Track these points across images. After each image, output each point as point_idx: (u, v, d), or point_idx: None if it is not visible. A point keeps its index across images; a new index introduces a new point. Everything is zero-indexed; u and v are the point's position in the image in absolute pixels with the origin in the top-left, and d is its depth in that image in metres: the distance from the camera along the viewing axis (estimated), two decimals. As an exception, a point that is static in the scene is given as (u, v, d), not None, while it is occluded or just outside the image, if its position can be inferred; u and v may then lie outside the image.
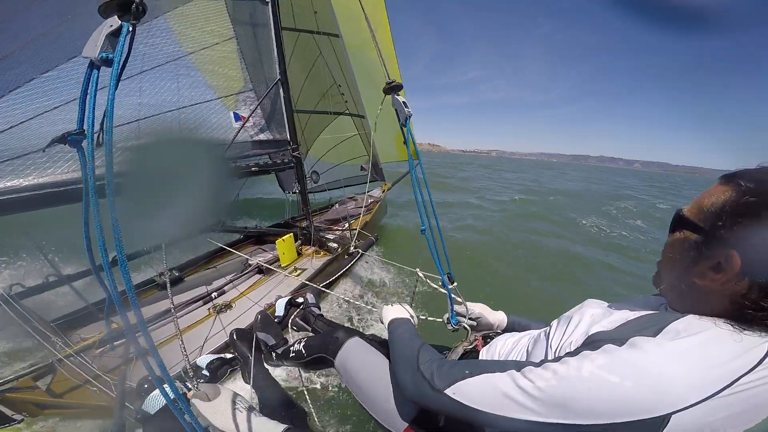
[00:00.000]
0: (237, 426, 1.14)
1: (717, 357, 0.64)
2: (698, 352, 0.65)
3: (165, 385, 0.87)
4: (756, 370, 0.62)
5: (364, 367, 1.45)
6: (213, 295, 3.33)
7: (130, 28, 0.79)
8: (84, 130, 0.80)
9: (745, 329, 0.67)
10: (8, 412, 1.87)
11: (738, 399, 0.62)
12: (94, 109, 0.78)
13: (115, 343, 2.49)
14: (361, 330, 1.99)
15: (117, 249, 0.78)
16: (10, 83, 2.25)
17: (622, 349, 0.70)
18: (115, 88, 0.77)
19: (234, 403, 1.20)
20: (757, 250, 0.65)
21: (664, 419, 0.62)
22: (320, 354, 1.62)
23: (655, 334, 0.71)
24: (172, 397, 0.87)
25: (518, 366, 0.82)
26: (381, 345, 1.68)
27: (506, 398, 0.77)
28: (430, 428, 1.21)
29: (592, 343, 0.77)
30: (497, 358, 1.24)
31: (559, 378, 0.72)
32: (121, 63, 0.79)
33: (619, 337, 0.74)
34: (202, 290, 3.45)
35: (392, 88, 1.64)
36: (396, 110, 1.62)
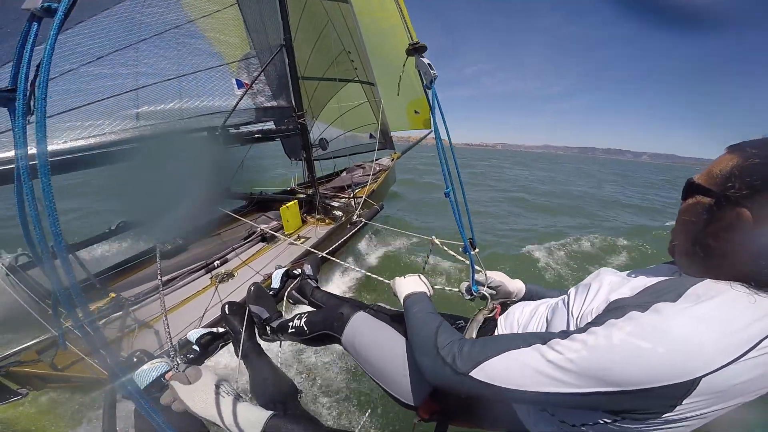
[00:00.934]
0: (217, 412, 1.09)
1: (739, 320, 0.65)
2: (720, 315, 0.66)
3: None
4: None
5: (375, 343, 1.42)
6: (216, 263, 3.33)
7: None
8: (15, 87, 0.69)
9: (759, 291, 0.68)
10: (13, 386, 1.88)
11: (760, 362, 0.63)
12: (29, 64, 0.68)
13: (111, 316, 2.52)
14: (362, 301, 1.96)
15: (54, 237, 0.67)
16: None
17: (646, 314, 0.70)
18: (56, 39, 0.67)
19: (215, 387, 1.14)
20: (766, 207, 0.68)
21: (695, 382, 0.63)
22: (324, 331, 1.58)
23: (675, 299, 0.71)
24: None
25: (542, 338, 0.81)
26: (388, 316, 1.65)
27: (536, 373, 0.76)
28: (450, 399, 1.21)
29: (615, 309, 0.77)
30: (515, 328, 1.23)
31: (589, 348, 0.72)
32: (66, 13, 0.68)
33: (641, 303, 0.74)
34: (205, 258, 3.45)
35: (416, 49, 1.52)
36: (420, 72, 1.50)
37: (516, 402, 0.89)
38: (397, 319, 1.61)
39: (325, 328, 1.58)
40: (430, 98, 1.49)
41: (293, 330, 1.71)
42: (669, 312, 0.68)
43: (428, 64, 1.48)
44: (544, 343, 0.79)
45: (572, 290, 1.04)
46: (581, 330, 0.78)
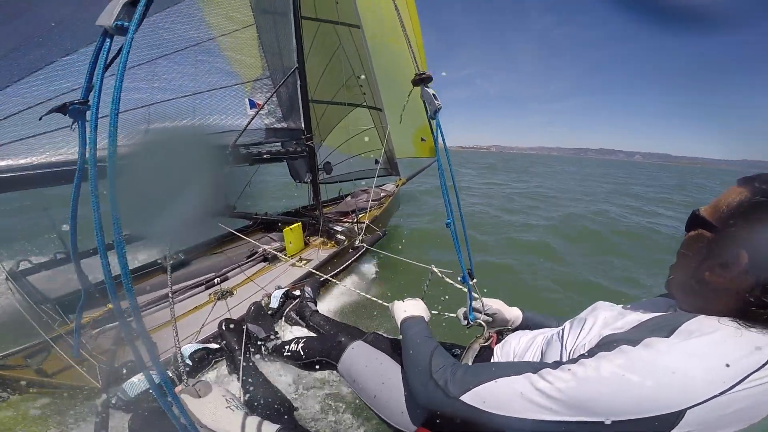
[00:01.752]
0: (227, 425, 1.10)
1: (729, 355, 0.67)
2: (711, 350, 0.68)
3: (153, 374, 0.83)
4: (765, 367, 0.65)
5: (371, 371, 1.43)
6: (216, 280, 3.33)
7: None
8: (88, 101, 0.76)
9: (750, 326, 0.71)
10: None
11: (747, 395, 0.64)
12: (102, 78, 0.73)
13: (107, 326, 2.50)
14: (359, 327, 1.95)
15: (115, 232, 0.73)
16: (32, 65, 2.26)
17: (637, 348, 0.72)
18: (127, 56, 0.72)
19: (225, 401, 1.16)
20: (764, 249, 0.70)
21: (680, 414, 0.65)
22: (321, 358, 1.60)
23: (668, 335, 0.74)
24: (159, 386, 0.84)
25: (534, 368, 0.83)
26: (385, 344, 1.66)
27: (525, 401, 0.79)
28: (445, 427, 1.20)
29: (607, 344, 0.80)
30: (512, 357, 1.26)
31: (578, 379, 0.74)
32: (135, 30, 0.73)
33: (633, 338, 0.76)
34: (206, 275, 3.45)
35: (422, 80, 1.57)
36: (425, 102, 1.56)
37: (504, 428, 0.90)
38: (395, 348, 1.61)
39: (322, 354, 1.60)
40: (434, 128, 1.55)
41: (289, 354, 1.72)
42: (660, 347, 0.71)
43: (433, 94, 1.54)
44: (535, 372, 0.82)
45: (567, 324, 1.07)
46: (572, 361, 0.81)
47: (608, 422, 0.70)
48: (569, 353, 0.93)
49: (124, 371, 1.87)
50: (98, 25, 0.72)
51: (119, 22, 0.70)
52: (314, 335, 1.79)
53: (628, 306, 1.00)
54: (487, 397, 0.85)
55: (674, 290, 0.91)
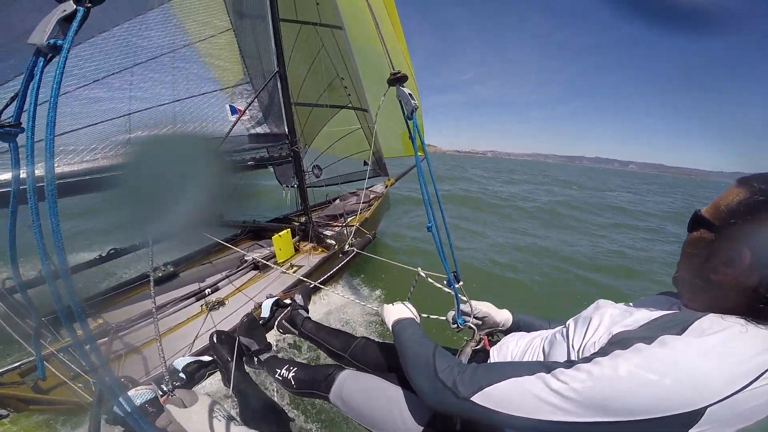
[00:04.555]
0: None
1: (743, 352, 0.67)
2: (725, 348, 0.68)
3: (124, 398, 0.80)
4: None
5: (362, 392, 1.44)
6: (207, 291, 3.29)
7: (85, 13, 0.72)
8: (21, 123, 0.73)
9: (758, 323, 0.71)
10: None
11: (762, 391, 0.65)
12: (37, 98, 0.69)
13: (99, 341, 2.46)
14: (350, 333, 1.94)
15: (59, 257, 0.68)
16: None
17: (653, 347, 0.72)
18: (61, 76, 0.68)
19: (212, 411, 1.14)
20: (766, 246, 0.70)
21: (700, 412, 0.65)
22: (311, 390, 1.60)
23: (680, 333, 0.73)
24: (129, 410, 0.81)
25: (547, 367, 0.82)
26: (375, 352, 1.70)
27: (539, 401, 0.77)
28: None
29: (620, 342, 0.78)
30: (509, 359, 1.25)
31: (594, 378, 0.73)
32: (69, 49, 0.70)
33: (647, 335, 0.76)
34: (196, 286, 3.41)
35: (397, 79, 1.56)
36: (401, 102, 1.53)
37: (515, 429, 0.87)
38: (386, 355, 1.64)
39: (312, 388, 1.60)
40: (411, 129, 1.52)
41: (280, 379, 1.72)
42: (675, 344, 0.70)
43: (409, 94, 1.50)
44: (548, 372, 0.81)
45: (571, 322, 1.05)
46: (586, 360, 0.79)
47: (626, 421, 0.69)
48: (577, 352, 0.91)
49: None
50: (30, 43, 0.68)
51: (53, 41, 0.66)
52: (305, 364, 1.78)
53: (631, 304, 1.00)
54: (499, 397, 0.83)
55: (680, 287, 0.91)
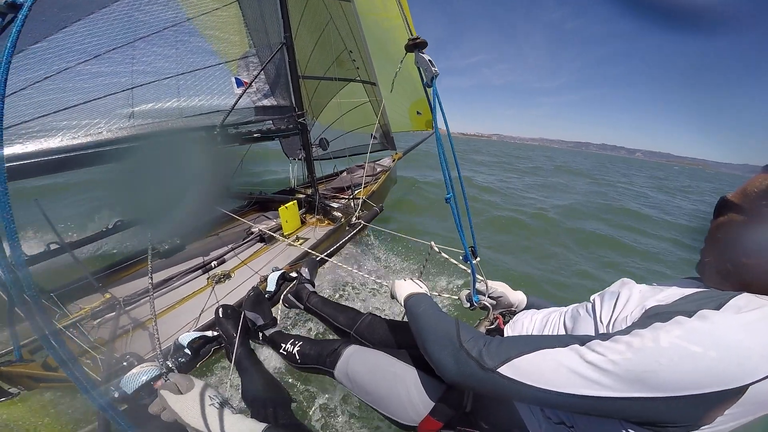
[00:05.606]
0: (208, 423, 1.05)
1: None
2: (765, 325, 0.66)
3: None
4: None
5: (369, 368, 1.40)
6: (212, 264, 3.29)
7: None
8: None
9: None
10: (4, 385, 1.86)
11: None
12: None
13: (106, 316, 2.49)
14: (356, 309, 1.94)
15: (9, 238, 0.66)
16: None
17: (693, 320, 0.69)
18: (18, 35, 0.62)
19: (208, 397, 1.11)
20: None
21: (742, 390, 0.63)
22: (316, 365, 1.58)
23: (717, 308, 0.71)
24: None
25: (580, 340, 0.80)
26: (382, 328, 1.68)
27: (572, 374, 0.74)
28: (451, 416, 1.18)
29: (658, 315, 0.76)
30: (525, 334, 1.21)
31: (634, 350, 0.70)
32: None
33: (686, 309, 0.73)
34: (200, 259, 3.41)
35: (416, 45, 1.46)
36: (420, 69, 1.44)
37: (542, 404, 0.87)
38: (393, 331, 1.62)
39: (317, 363, 1.57)
40: (431, 97, 1.43)
41: (285, 354, 1.71)
42: (717, 318, 0.68)
43: (429, 60, 1.41)
44: (582, 344, 0.78)
45: (596, 297, 1.03)
46: (624, 332, 0.76)
47: (664, 398, 0.66)
48: (606, 327, 0.88)
49: (125, 363, 1.86)
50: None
51: None
52: (311, 339, 1.76)
53: (661, 283, 0.96)
54: (528, 369, 0.79)
55: (707, 273, 0.87)
